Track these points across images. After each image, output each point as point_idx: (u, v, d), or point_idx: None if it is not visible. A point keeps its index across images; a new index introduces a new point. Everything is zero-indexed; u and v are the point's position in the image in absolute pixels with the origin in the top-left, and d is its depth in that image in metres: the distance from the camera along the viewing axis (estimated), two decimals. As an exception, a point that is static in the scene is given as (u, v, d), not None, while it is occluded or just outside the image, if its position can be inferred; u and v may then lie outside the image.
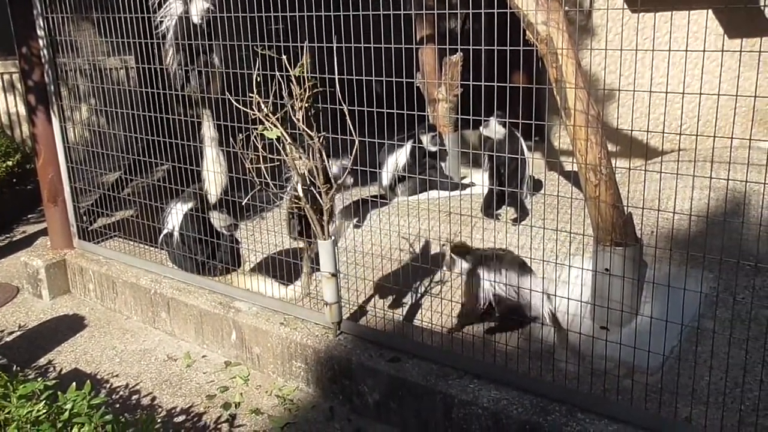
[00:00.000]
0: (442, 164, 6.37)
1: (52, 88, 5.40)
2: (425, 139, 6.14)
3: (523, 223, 5.12)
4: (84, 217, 5.78)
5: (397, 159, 6.12)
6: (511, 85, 3.33)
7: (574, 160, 3.82)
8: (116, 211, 6.08)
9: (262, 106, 3.76)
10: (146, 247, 5.42)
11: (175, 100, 4.93)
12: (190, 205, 4.99)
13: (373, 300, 4.49)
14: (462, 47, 3.84)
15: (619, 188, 3.83)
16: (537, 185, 5.77)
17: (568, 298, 3.68)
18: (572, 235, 4.53)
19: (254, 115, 3.80)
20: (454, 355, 3.74)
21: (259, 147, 3.79)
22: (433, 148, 6.09)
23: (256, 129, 3.77)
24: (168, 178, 5.05)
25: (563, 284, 4.09)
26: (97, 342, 4.94)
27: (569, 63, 3.61)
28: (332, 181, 3.81)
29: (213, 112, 4.77)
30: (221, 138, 4.60)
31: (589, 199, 3.78)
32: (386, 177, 6.13)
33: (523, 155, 5.40)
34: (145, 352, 4.79)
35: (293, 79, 3.66)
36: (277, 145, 3.81)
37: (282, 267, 4.63)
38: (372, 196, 5.67)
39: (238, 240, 5.23)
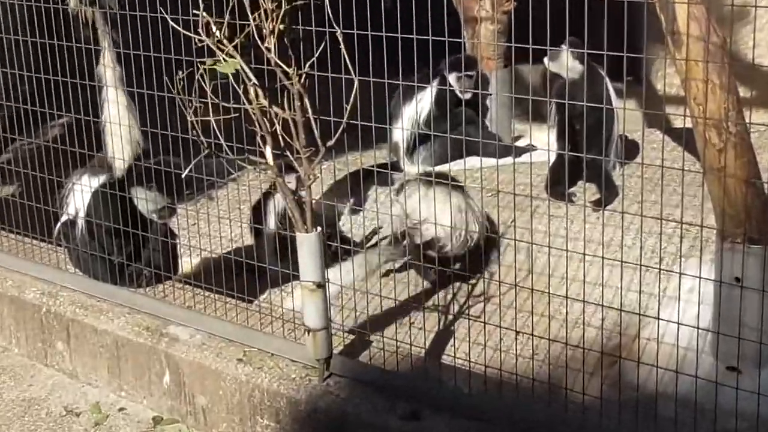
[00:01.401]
0: (485, 118, 6.35)
1: None
2: (455, 79, 6.12)
3: (609, 207, 5.11)
4: (-59, 197, 5.80)
5: (417, 110, 6.11)
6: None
7: (688, 113, 3.79)
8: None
9: (213, 27, 3.75)
10: (35, 242, 5.43)
11: (81, 20, 4.92)
12: (101, 178, 5.00)
13: (379, 324, 4.49)
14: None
15: (756, 156, 3.81)
16: (631, 150, 5.75)
17: (678, 323, 3.68)
18: (684, 226, 4.51)
19: (200, 41, 3.79)
20: (502, 406, 3.74)
21: (208, 90, 3.79)
22: (469, 94, 6.07)
23: (203, 63, 3.76)
24: (68, 139, 5.04)
25: (671, 301, 4.08)
26: (-42, 387, 4.96)
27: (681, -37, 3.59)
28: (319, 141, 3.80)
29: (111, 32, 4.78)
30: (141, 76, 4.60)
31: (709, 171, 3.76)
32: (400, 137, 6.12)
33: (610, 104, 5.38)
34: (31, 402, 4.80)
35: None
36: (235, 86, 3.80)
37: (243, 273, 4.63)
38: (378, 166, 5.66)
39: (175, 233, 5.24)
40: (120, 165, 4.90)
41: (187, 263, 5.28)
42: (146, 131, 4.59)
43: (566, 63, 5.39)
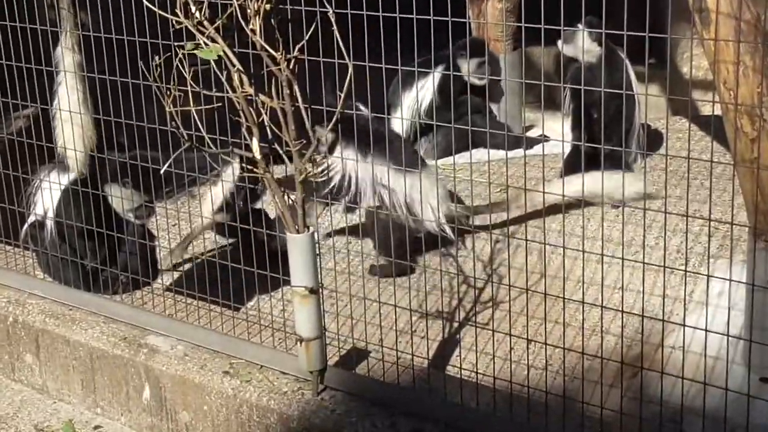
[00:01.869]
0: (494, 106, 6.35)
1: None
2: (463, 63, 6.12)
3: (630, 203, 5.11)
4: None
5: (419, 97, 6.11)
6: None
7: (717, 98, 3.78)
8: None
9: (193, 8, 3.74)
10: (0, 245, 5.43)
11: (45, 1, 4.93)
12: (72, 175, 5.00)
13: (377, 333, 4.49)
14: None
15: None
16: (654, 141, 5.75)
17: (706, 330, 3.67)
18: (713, 224, 4.51)
19: (178, 23, 3.78)
20: (513, 422, 3.74)
21: (187, 77, 3.78)
22: (478, 80, 6.07)
23: (182, 48, 3.76)
24: (34, 131, 5.04)
25: (698, 306, 4.08)
26: None
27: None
28: (310, 133, 3.80)
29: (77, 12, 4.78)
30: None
31: (741, 162, 3.76)
32: (401, 127, 6.12)
33: (631, 90, 5.38)
34: (-3, 420, 4.82)
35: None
36: (218, 73, 3.80)
37: (228, 278, 4.62)
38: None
39: (154, 234, 5.24)
40: (72, 156, 4.89)
41: (166, 267, 5.27)
42: (120, 122, 4.57)
43: (582, 45, 5.39)
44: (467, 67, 6.15)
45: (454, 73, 6.12)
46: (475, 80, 6.15)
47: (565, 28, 3.68)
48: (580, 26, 5.39)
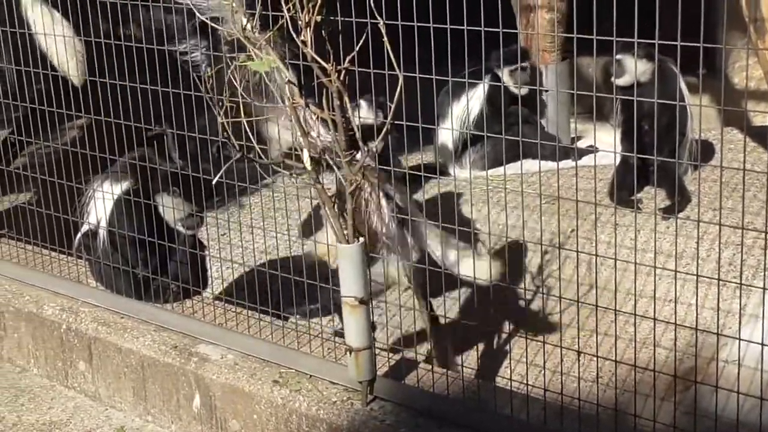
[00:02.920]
0: (542, 117, 6.32)
1: None
2: (508, 74, 6.11)
3: (681, 215, 5.06)
4: (-49, 205, 5.85)
5: (467, 107, 6.09)
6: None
7: (771, 109, 3.73)
8: (3, 195, 6.13)
9: (244, 20, 3.74)
10: (54, 254, 5.45)
11: (100, 12, 4.94)
12: (124, 185, 5.02)
13: (427, 344, 4.47)
14: None
15: None
16: (706, 152, 5.70)
17: (762, 344, 3.61)
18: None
19: (230, 35, 3.78)
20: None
21: (239, 88, 3.78)
22: (521, 90, 6.05)
23: (234, 59, 3.76)
24: (87, 141, 5.05)
25: (752, 319, 4.02)
26: (-28, 411, 5.01)
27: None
28: (360, 143, 3.77)
29: None
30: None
31: (795, 174, 3.69)
32: (449, 137, 6.11)
33: (683, 102, 5.33)
34: (51, 426, 4.83)
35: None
36: (268, 84, 3.79)
37: (277, 289, 4.61)
38: (423, 168, 5.64)
39: (204, 244, 5.23)
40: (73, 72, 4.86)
41: (217, 276, 5.27)
42: (172, 133, 4.59)
43: (634, 62, 5.36)
44: (510, 76, 6.14)
45: (498, 84, 6.10)
46: (513, 89, 6.13)
47: (617, 39, 3.61)
48: (621, 55, 5.38)
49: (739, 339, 3.78)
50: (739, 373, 3.68)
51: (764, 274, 4.15)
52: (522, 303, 4.80)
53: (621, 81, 5.49)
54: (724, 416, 3.73)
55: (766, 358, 3.74)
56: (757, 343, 3.64)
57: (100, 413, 4.91)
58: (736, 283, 4.01)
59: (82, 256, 5.31)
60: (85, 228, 5.20)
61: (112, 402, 4.94)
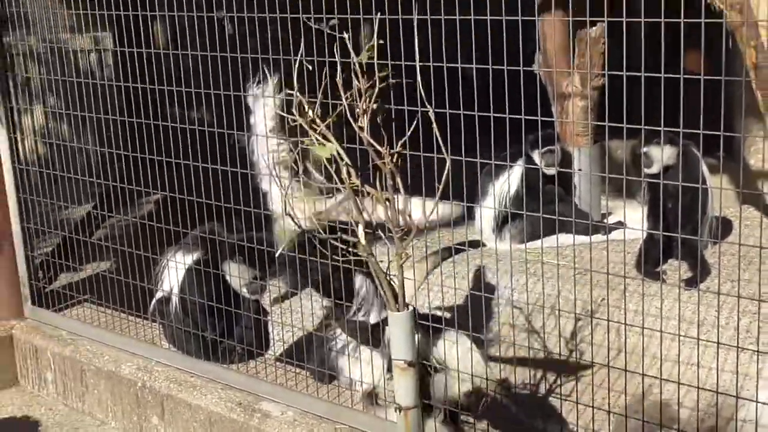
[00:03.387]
0: (573, 195, 6.33)
1: (-3, 81, 5.59)
2: (538, 156, 6.13)
3: (702, 286, 5.05)
4: (40, 273, 5.92)
5: (506, 186, 6.11)
6: (685, 76, 3.30)
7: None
8: (86, 263, 6.20)
9: (306, 107, 3.80)
10: (131, 318, 5.53)
11: (174, 100, 5.04)
12: (195, 256, 5.07)
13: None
14: (607, 19, 3.83)
15: None
16: (725, 229, 5.69)
17: (777, 405, 3.61)
18: (781, 305, 4.45)
19: (293, 121, 3.84)
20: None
21: (299, 170, 3.84)
22: (550, 171, 6.08)
23: (300, 143, 3.81)
24: (161, 215, 5.13)
25: (767, 383, 4.01)
26: (56, 460, 5.05)
27: (776, 41, 3.58)
28: (411, 221, 3.82)
29: None
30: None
31: (808, 250, 3.71)
32: (488, 213, 6.12)
33: (705, 183, 5.33)
34: (127, 476, 4.87)
35: (357, 66, 3.69)
36: (327, 166, 3.84)
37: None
38: (465, 243, 5.67)
39: (266, 309, 5.28)
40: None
41: (278, 339, 5.31)
42: (239, 209, 4.64)
43: (661, 149, 5.38)
44: (540, 158, 6.15)
45: (534, 166, 6.12)
46: (547, 170, 6.14)
47: (645, 127, 3.65)
48: (648, 147, 5.40)
49: (757, 402, 3.76)
50: (756, 432, 3.67)
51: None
52: (556, 366, 4.79)
53: (650, 170, 5.49)
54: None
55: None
56: (773, 405, 3.65)
57: (171, 465, 4.96)
58: (753, 350, 4.01)
59: (156, 320, 5.37)
60: (159, 294, 5.27)
61: (183, 455, 4.99)
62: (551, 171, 6.10)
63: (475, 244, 6.01)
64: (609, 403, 4.11)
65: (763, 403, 3.74)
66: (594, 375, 4.47)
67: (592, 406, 4.02)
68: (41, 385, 5.71)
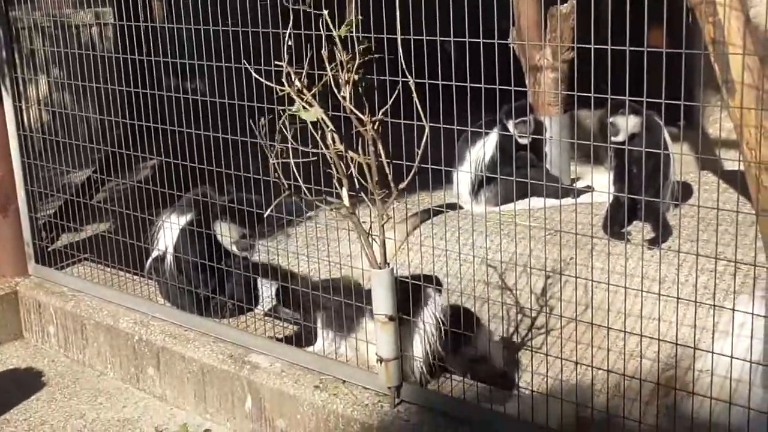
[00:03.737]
0: (546, 162, 6.35)
1: (3, 53, 5.56)
2: (513, 126, 6.14)
3: (664, 246, 5.08)
4: (43, 233, 5.92)
5: (481, 153, 6.13)
6: (649, 49, 3.32)
7: (741, 157, 3.78)
8: (87, 224, 6.20)
9: (294, 77, 3.80)
10: (128, 275, 5.53)
11: (171, 70, 5.02)
12: (188, 217, 5.09)
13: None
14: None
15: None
16: (685, 192, 5.72)
17: (731, 356, 3.65)
18: (737, 264, 4.48)
19: (282, 90, 3.84)
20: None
21: (289, 135, 3.84)
22: (523, 140, 6.08)
23: (285, 110, 3.81)
24: (158, 179, 5.14)
25: (723, 336, 4.04)
26: (59, 408, 5.07)
27: (733, 17, 3.59)
28: (392, 183, 3.84)
29: None
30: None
31: (761, 212, 3.74)
32: (465, 178, 6.14)
33: (666, 150, 5.35)
34: (125, 422, 4.88)
35: (338, 40, 3.70)
36: (314, 133, 3.84)
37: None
38: (443, 206, 5.69)
39: (255, 267, 5.30)
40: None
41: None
42: (230, 173, 4.65)
43: (627, 127, 5.40)
44: (515, 128, 6.16)
45: (507, 132, 6.13)
46: (520, 138, 6.15)
47: (612, 97, 3.67)
48: (614, 117, 5.42)
49: (713, 352, 3.81)
50: (711, 382, 3.70)
51: (732, 297, 4.17)
52: (528, 320, 4.82)
53: (616, 138, 5.52)
54: (699, 418, 3.76)
55: (734, 369, 3.79)
56: (727, 356, 3.69)
57: (167, 412, 4.97)
58: (709, 304, 4.04)
59: (152, 278, 5.38)
60: (155, 253, 5.27)
61: (177, 402, 5.00)
62: (524, 140, 6.12)
63: (453, 207, 6.03)
64: (576, 355, 4.14)
65: (719, 354, 3.78)
66: (563, 329, 4.51)
67: (561, 358, 4.06)
68: (44, 338, 5.73)
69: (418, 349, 4.22)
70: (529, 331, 4.71)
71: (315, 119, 3.78)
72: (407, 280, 4.21)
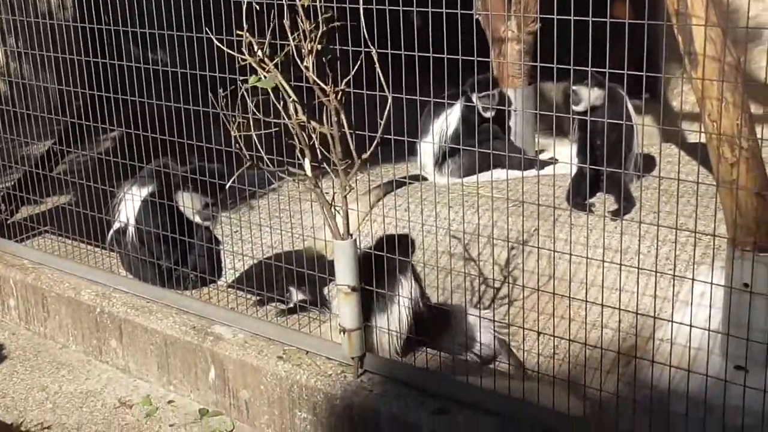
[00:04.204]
0: (510, 134, 6.37)
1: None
2: (477, 99, 6.15)
3: (627, 217, 5.13)
4: (3, 206, 5.89)
5: (445, 125, 6.14)
6: (612, 20, 3.35)
7: (702, 129, 3.82)
8: (47, 196, 6.17)
9: (255, 47, 3.80)
10: (90, 247, 5.52)
11: (131, 39, 5.00)
12: (150, 188, 5.08)
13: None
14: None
15: (766, 170, 3.84)
16: (648, 164, 5.76)
17: (691, 325, 3.70)
18: (697, 235, 4.54)
19: (243, 60, 3.84)
20: (526, 403, 3.79)
21: (250, 105, 3.84)
22: (490, 112, 6.10)
23: (246, 80, 3.81)
24: (119, 150, 5.12)
25: (683, 305, 4.10)
26: (20, 380, 5.08)
27: (696, -12, 3.62)
28: (354, 154, 3.85)
29: None
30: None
31: (722, 183, 3.79)
32: (429, 150, 6.15)
33: (630, 121, 5.39)
34: (87, 395, 4.90)
35: (300, 10, 3.70)
36: (276, 103, 3.84)
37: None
38: (407, 177, 5.70)
39: (219, 239, 5.30)
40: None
41: (230, 267, 5.34)
42: (191, 143, 4.64)
43: (589, 98, 5.43)
44: (479, 101, 6.16)
45: (471, 104, 6.13)
46: (484, 112, 6.16)
47: (574, 68, 3.70)
48: (577, 86, 5.44)
49: (672, 322, 3.87)
50: (671, 350, 3.75)
51: (692, 267, 4.23)
52: (491, 290, 4.85)
53: (578, 108, 5.54)
54: (659, 386, 3.81)
55: (694, 338, 3.85)
56: (686, 325, 3.75)
57: (130, 384, 4.99)
58: (670, 275, 4.09)
59: (114, 250, 5.37)
60: (116, 225, 5.26)
61: (140, 374, 5.02)
62: (488, 114, 6.13)
63: (417, 179, 6.04)
64: (539, 325, 4.18)
65: (679, 323, 3.84)
66: (525, 299, 4.55)
67: (523, 327, 4.10)
68: (4, 311, 5.71)
69: (391, 320, 4.24)
70: (492, 302, 4.74)
71: (274, 85, 3.77)
72: (386, 236, 4.22)
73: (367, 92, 3.86)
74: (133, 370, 5.05)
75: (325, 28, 3.74)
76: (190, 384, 4.76)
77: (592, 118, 5.33)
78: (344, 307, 4.10)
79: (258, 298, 4.87)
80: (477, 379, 3.96)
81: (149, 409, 4.73)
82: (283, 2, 3.74)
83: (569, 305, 4.25)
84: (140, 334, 4.92)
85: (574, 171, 5.57)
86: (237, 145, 3.94)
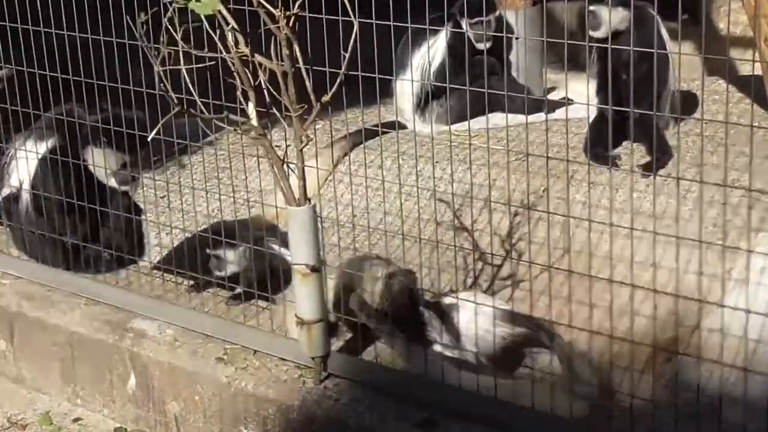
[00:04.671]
0: (511, 67, 6.36)
1: None
2: (469, 26, 6.13)
3: (662, 172, 5.12)
4: None
5: (429, 58, 6.12)
6: None
7: (757, 57, 3.79)
8: None
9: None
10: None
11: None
12: (50, 143, 5.03)
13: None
14: None
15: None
16: (688, 104, 5.76)
17: (747, 311, 3.68)
18: (754, 194, 4.52)
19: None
20: (532, 416, 3.77)
21: (178, 36, 3.79)
22: (486, 44, 6.09)
23: (173, 3, 3.76)
24: (9, 94, 5.06)
25: (737, 285, 4.09)
26: None
27: None
28: (312, 96, 3.81)
29: None
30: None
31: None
32: (408, 90, 6.13)
33: (663, 49, 5.37)
34: (-32, 413, 4.87)
35: None
36: (211, 32, 3.80)
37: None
38: (383, 125, 5.66)
39: (140, 207, 5.25)
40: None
41: (155, 244, 5.30)
42: (103, 85, 4.59)
43: (609, 21, 5.42)
44: (471, 29, 6.15)
45: (461, 31, 6.12)
46: (477, 41, 6.15)
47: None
48: (595, 6, 5.43)
49: (723, 306, 3.85)
50: (723, 343, 3.75)
51: (748, 236, 4.22)
52: (489, 269, 4.84)
53: (597, 33, 5.52)
54: (707, 389, 3.81)
55: (752, 326, 3.83)
56: (744, 310, 3.73)
57: (23, 397, 4.96)
58: (720, 245, 4.08)
59: (2, 223, 5.33)
60: (6, 191, 5.22)
61: (37, 385, 4.99)
62: (483, 44, 6.11)
63: (391, 125, 6.00)
64: (551, 314, 4.18)
65: (732, 308, 3.82)
66: (534, 279, 4.54)
67: (531, 316, 4.08)
68: None
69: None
70: (491, 283, 4.73)
71: (211, 12, 3.72)
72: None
73: (328, 17, 3.80)
74: (28, 380, 5.04)
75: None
76: (104, 396, 4.75)
77: (615, 47, 5.30)
78: (301, 293, 4.07)
79: (191, 282, 4.85)
80: (472, 382, 3.94)
81: (49, 430, 4.72)
82: None
83: (590, 287, 4.23)
84: (37, 333, 4.91)
85: (594, 114, 5.58)
86: (162, 85, 3.89)
